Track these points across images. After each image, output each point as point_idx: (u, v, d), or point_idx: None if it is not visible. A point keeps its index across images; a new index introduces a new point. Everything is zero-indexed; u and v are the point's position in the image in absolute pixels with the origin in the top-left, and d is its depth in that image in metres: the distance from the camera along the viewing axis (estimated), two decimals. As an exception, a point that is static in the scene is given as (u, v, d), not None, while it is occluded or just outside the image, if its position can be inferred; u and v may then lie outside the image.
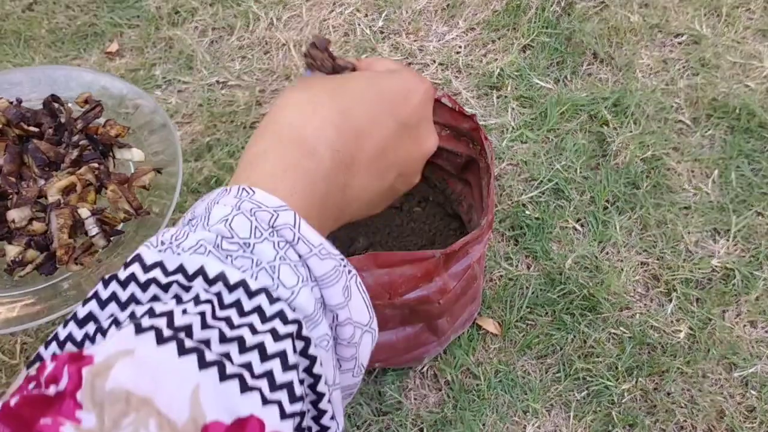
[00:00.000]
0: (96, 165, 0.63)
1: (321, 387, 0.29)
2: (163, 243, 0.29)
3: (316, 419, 0.30)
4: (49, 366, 0.25)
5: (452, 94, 1.05)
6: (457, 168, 0.80)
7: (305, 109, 0.34)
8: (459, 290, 0.69)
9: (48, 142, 0.64)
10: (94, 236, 0.60)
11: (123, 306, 0.27)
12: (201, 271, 0.27)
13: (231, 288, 0.27)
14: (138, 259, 0.28)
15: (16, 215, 0.59)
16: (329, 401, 0.29)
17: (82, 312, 0.27)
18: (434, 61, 1.07)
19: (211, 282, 0.27)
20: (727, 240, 0.92)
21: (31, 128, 0.65)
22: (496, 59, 1.07)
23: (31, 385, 0.25)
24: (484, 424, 0.80)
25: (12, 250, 0.59)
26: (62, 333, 0.26)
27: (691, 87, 1.05)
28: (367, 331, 0.32)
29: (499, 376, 0.83)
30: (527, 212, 0.94)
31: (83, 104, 0.68)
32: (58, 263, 0.59)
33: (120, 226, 0.62)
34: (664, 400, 0.82)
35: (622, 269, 0.90)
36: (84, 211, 0.60)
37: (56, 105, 0.66)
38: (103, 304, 0.27)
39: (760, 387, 0.82)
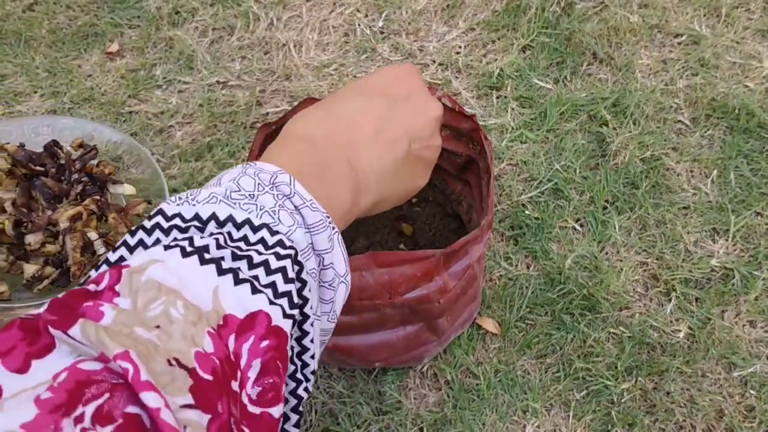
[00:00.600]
0: (98, 197, 0.76)
1: (307, 309, 0.33)
2: (180, 198, 0.34)
3: (299, 355, 0.34)
4: (93, 277, 0.29)
5: (452, 94, 1.05)
6: (456, 168, 0.81)
7: (300, 119, 0.42)
8: (459, 290, 0.69)
9: (52, 179, 0.77)
10: (101, 254, 0.72)
11: (148, 248, 0.32)
12: (213, 216, 0.33)
13: (238, 226, 0.33)
14: (160, 211, 0.33)
15: (32, 239, 0.72)
16: (312, 325, 0.34)
17: (113, 256, 0.32)
18: (434, 62, 1.07)
19: (221, 223, 0.33)
20: (727, 240, 0.92)
21: (37, 168, 0.77)
22: (496, 59, 1.07)
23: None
24: (483, 424, 0.80)
25: (30, 268, 0.71)
26: (95, 274, 0.31)
27: (691, 87, 1.05)
28: (342, 281, 0.37)
29: (498, 376, 0.83)
30: (527, 212, 0.94)
31: (77, 148, 0.82)
32: (72, 277, 0.71)
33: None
34: (664, 400, 0.82)
35: (621, 269, 0.90)
36: (93, 234, 0.73)
37: (56, 148, 0.80)
38: (131, 249, 0.32)
39: (760, 387, 0.83)
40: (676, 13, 1.12)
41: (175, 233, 0.32)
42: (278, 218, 0.34)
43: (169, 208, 0.33)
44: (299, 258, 0.33)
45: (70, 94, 1.05)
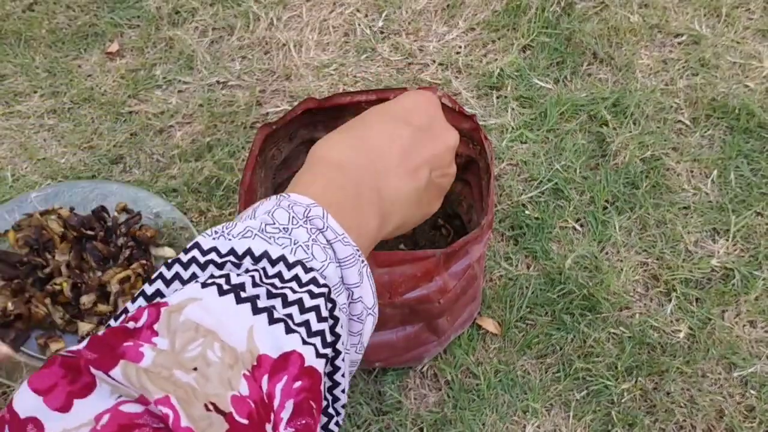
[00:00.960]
0: (144, 262, 0.83)
1: (339, 345, 0.34)
2: (216, 232, 0.34)
3: (330, 389, 0.35)
4: (131, 313, 0.30)
5: (452, 94, 1.05)
6: (457, 168, 0.81)
7: (330, 143, 0.43)
8: (459, 290, 0.69)
9: (101, 242, 0.84)
10: None
11: (185, 283, 0.33)
12: (248, 252, 0.33)
13: (273, 262, 0.33)
14: (196, 245, 0.34)
15: (85, 299, 0.80)
16: (342, 360, 0.34)
17: (149, 289, 0.32)
18: (434, 61, 1.07)
19: (257, 259, 0.33)
20: (727, 240, 0.92)
21: (88, 231, 0.84)
22: (496, 59, 1.07)
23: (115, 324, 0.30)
24: (483, 424, 0.80)
25: (85, 327, 0.79)
26: (132, 307, 0.31)
27: (691, 87, 1.05)
28: (371, 313, 0.38)
29: (498, 376, 0.83)
30: (527, 212, 0.94)
31: (121, 211, 0.90)
32: None
33: None
34: (664, 400, 0.82)
35: (621, 269, 0.90)
36: None
37: (103, 213, 0.88)
38: (168, 282, 0.32)
39: (760, 387, 0.83)
40: (677, 13, 1.12)
41: (211, 269, 0.33)
42: (312, 253, 0.34)
43: (205, 241, 0.34)
44: (332, 295, 0.34)
45: (70, 94, 1.05)
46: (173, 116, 1.03)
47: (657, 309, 0.88)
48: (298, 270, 0.33)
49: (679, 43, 1.10)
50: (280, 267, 0.33)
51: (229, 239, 0.34)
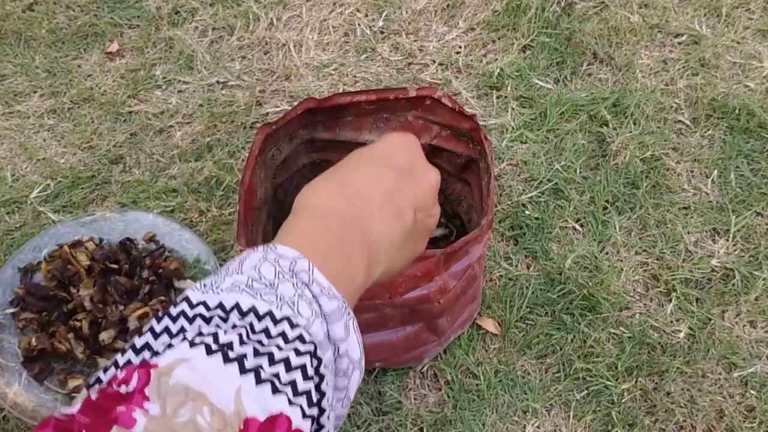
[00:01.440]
0: (163, 298, 0.86)
1: (324, 403, 0.34)
2: (205, 286, 0.35)
3: None
4: (121, 374, 0.31)
5: (452, 94, 1.05)
6: (457, 168, 0.81)
7: (314, 191, 0.44)
8: (459, 290, 0.69)
9: (125, 276, 0.86)
10: None
11: (173, 336, 0.33)
12: (236, 306, 0.34)
13: (260, 317, 0.34)
14: (186, 299, 0.35)
15: (105, 336, 0.81)
16: (328, 417, 0.35)
17: (139, 342, 0.33)
18: (434, 61, 1.07)
19: (244, 314, 0.34)
20: (727, 240, 0.92)
21: (112, 265, 0.86)
22: (496, 59, 1.07)
23: (106, 386, 0.31)
24: (483, 424, 0.80)
25: (104, 363, 0.80)
26: (121, 359, 0.32)
27: (691, 87, 1.05)
28: (357, 367, 0.38)
29: (498, 376, 0.83)
30: (527, 212, 0.94)
31: (149, 240, 0.91)
32: None
33: None
34: (664, 400, 0.82)
35: (621, 269, 0.90)
36: None
37: (130, 244, 0.89)
38: (156, 336, 0.33)
39: (760, 387, 0.83)
40: (677, 13, 1.12)
41: (199, 322, 0.34)
42: (297, 310, 0.35)
43: (194, 295, 0.35)
44: (318, 352, 0.35)
45: (70, 94, 1.05)
46: (173, 116, 1.03)
47: (657, 309, 0.88)
48: (285, 326, 0.34)
49: (679, 43, 1.10)
50: (267, 323, 0.34)
51: (218, 293, 0.35)
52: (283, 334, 0.33)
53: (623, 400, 0.82)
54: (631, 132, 1.00)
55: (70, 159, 1.00)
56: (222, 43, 1.10)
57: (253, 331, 0.34)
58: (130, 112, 1.04)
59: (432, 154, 0.81)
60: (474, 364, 0.84)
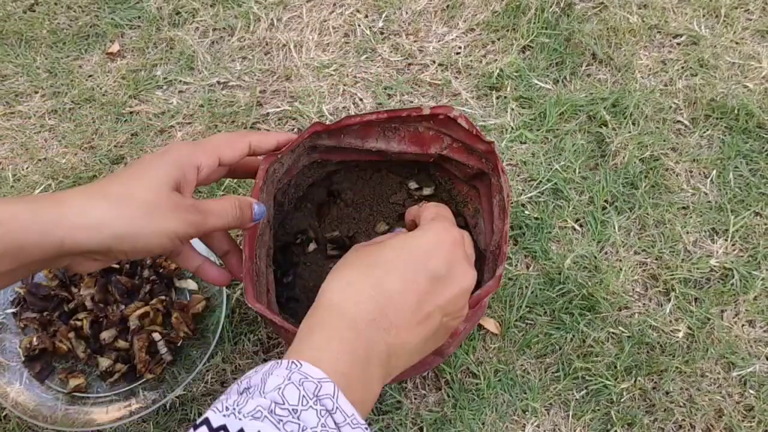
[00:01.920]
0: (163, 297, 0.86)
1: None
2: (227, 408, 0.34)
3: None
4: None
5: (452, 94, 1.05)
6: (466, 176, 0.79)
7: (346, 289, 0.42)
8: (469, 326, 0.68)
9: (125, 275, 0.87)
10: (163, 353, 0.83)
11: None
12: None
13: None
14: (206, 422, 0.33)
15: (105, 335, 0.83)
16: None
17: None
18: (434, 62, 1.08)
19: None
20: (726, 240, 0.93)
21: (114, 265, 0.86)
22: (496, 60, 1.08)
23: None
24: (483, 423, 0.81)
25: (104, 362, 0.82)
26: None
27: (690, 87, 1.05)
28: None
29: (498, 376, 0.83)
30: (526, 212, 0.94)
31: None
32: (138, 373, 0.82)
33: (179, 343, 0.85)
34: (663, 400, 0.82)
35: (620, 269, 0.90)
36: (156, 335, 0.83)
37: None
38: None
39: (759, 386, 0.83)
40: (676, 13, 1.13)
41: None
42: None
43: (215, 417, 0.33)
44: None
45: (71, 94, 1.05)
46: (174, 116, 1.03)
47: (656, 309, 0.88)
48: None
49: (678, 44, 1.10)
50: None
51: (240, 418, 0.33)
52: None
53: (622, 400, 0.82)
54: (630, 132, 1.00)
55: (71, 159, 1.00)
56: (223, 44, 1.11)
57: None
58: (131, 113, 1.04)
59: (441, 159, 0.79)
60: (474, 363, 0.84)
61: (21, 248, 0.43)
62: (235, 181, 0.97)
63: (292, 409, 0.34)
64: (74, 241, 0.44)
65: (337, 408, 0.35)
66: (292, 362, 0.37)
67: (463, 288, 0.46)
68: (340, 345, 0.39)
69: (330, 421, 0.35)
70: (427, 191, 0.89)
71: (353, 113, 1.03)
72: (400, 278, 0.43)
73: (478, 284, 0.76)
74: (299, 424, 0.34)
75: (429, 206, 0.53)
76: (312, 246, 0.87)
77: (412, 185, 0.89)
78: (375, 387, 0.40)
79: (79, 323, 0.83)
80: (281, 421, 0.34)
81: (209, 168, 0.54)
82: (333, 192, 0.89)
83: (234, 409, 0.34)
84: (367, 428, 0.36)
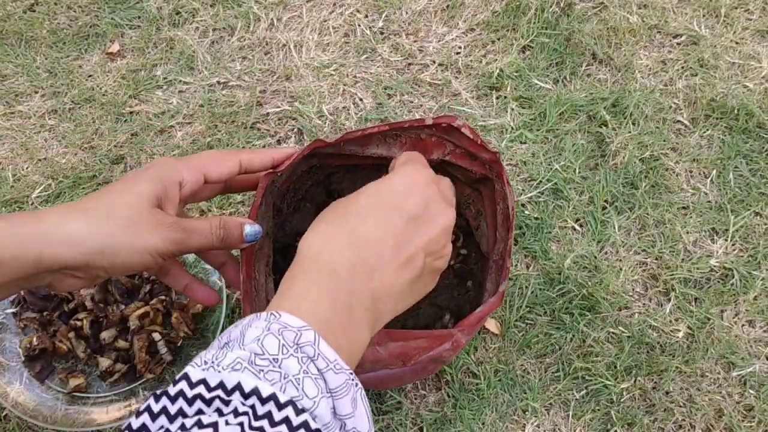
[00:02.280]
0: (163, 297, 0.86)
1: None
2: (206, 362, 0.34)
3: None
4: None
5: (452, 94, 1.05)
6: (469, 180, 0.79)
7: (323, 240, 0.42)
8: (469, 338, 0.68)
9: (125, 276, 0.86)
10: (163, 353, 0.83)
11: (172, 419, 0.32)
12: (238, 386, 0.32)
13: (264, 401, 0.32)
14: (185, 377, 0.33)
15: (105, 335, 0.83)
16: None
17: (136, 423, 0.31)
18: (434, 62, 1.08)
19: (246, 396, 0.32)
20: (726, 240, 0.93)
21: None
22: (496, 60, 1.08)
23: None
24: (483, 423, 0.81)
25: (104, 362, 0.82)
26: None
27: (690, 87, 1.05)
28: None
29: (498, 376, 0.83)
30: (526, 212, 0.94)
31: None
32: (138, 373, 0.82)
33: (179, 343, 0.85)
34: (663, 400, 0.82)
35: (620, 269, 0.90)
36: (156, 335, 0.83)
37: None
38: (154, 417, 0.32)
39: (759, 386, 0.83)
40: (676, 13, 1.13)
41: (198, 404, 0.32)
42: (302, 389, 0.33)
43: (194, 372, 0.33)
44: None
45: (71, 94, 1.05)
46: (174, 116, 1.03)
47: (656, 309, 0.88)
48: (289, 412, 0.32)
49: (678, 44, 1.10)
50: (270, 407, 0.32)
51: (219, 371, 0.33)
52: (287, 420, 0.32)
53: (622, 400, 0.82)
54: (630, 132, 1.00)
55: (71, 159, 1.00)
56: (222, 44, 1.11)
57: (256, 417, 0.32)
58: (131, 113, 1.04)
59: (443, 163, 0.79)
60: (474, 363, 0.84)
61: (0, 263, 0.43)
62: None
63: (273, 359, 0.34)
64: (52, 256, 0.44)
65: (318, 354, 0.35)
66: (271, 314, 0.36)
67: (442, 227, 0.46)
68: (320, 293, 0.39)
69: (312, 367, 0.34)
70: None
71: (353, 114, 1.03)
72: (376, 223, 0.43)
73: (480, 295, 0.76)
74: (280, 373, 0.33)
75: (402, 154, 0.53)
76: None
77: None
78: (362, 332, 0.39)
79: (79, 323, 0.83)
80: (262, 371, 0.33)
81: (193, 185, 0.53)
82: (332, 192, 0.89)
83: (213, 362, 0.33)
84: (351, 372, 0.36)
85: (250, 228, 0.54)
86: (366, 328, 0.40)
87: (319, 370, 0.35)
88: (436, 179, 0.49)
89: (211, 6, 1.14)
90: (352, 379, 0.36)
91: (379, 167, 0.87)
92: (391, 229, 0.43)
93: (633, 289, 0.89)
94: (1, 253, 0.42)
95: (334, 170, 0.85)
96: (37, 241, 0.43)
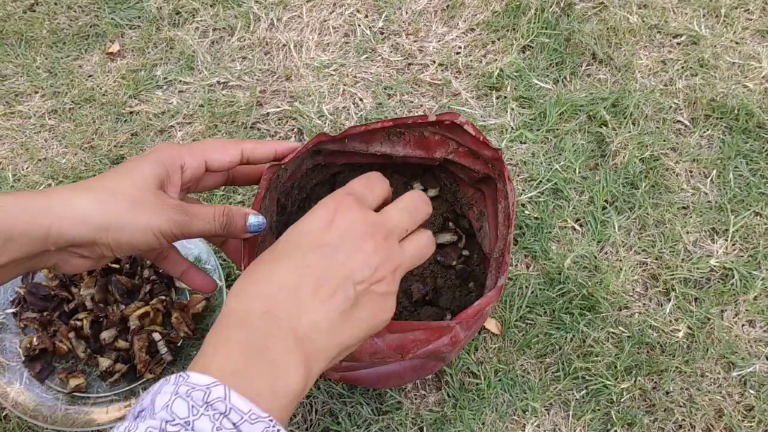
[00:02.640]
0: (164, 297, 0.86)
1: None
2: None
3: None
4: None
5: (452, 94, 1.05)
6: (472, 179, 0.79)
7: (237, 293, 0.41)
8: (471, 333, 0.68)
9: (126, 275, 0.87)
10: (163, 353, 0.83)
11: None
12: None
13: None
14: None
15: (105, 335, 0.83)
16: None
17: None
18: (434, 62, 1.08)
19: None
20: (726, 240, 0.93)
21: (113, 265, 0.87)
22: (496, 60, 1.08)
23: None
24: (483, 423, 0.81)
25: (104, 362, 0.82)
26: None
27: (690, 87, 1.05)
28: None
29: (498, 376, 0.83)
30: (526, 212, 0.94)
31: None
32: (138, 373, 0.82)
33: (179, 343, 0.85)
34: (663, 400, 0.82)
35: (620, 269, 0.90)
36: (157, 335, 0.83)
37: None
38: None
39: (759, 386, 0.83)
40: (676, 13, 1.13)
41: None
42: None
43: None
44: None
45: (71, 94, 1.05)
46: (174, 116, 1.03)
47: (656, 309, 0.88)
48: None
49: (678, 44, 1.10)
50: None
51: None
52: None
53: (622, 400, 0.82)
54: (630, 132, 1.00)
55: (71, 159, 1.00)
56: (223, 44, 1.11)
57: None
58: (131, 113, 1.04)
59: (446, 162, 0.79)
60: (474, 363, 0.84)
61: (9, 239, 0.43)
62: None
63: (184, 422, 0.33)
64: (60, 232, 0.45)
65: (231, 408, 0.34)
66: (179, 376, 0.35)
67: (366, 252, 0.43)
68: (229, 346, 0.38)
69: (226, 422, 0.34)
70: (431, 192, 0.89)
71: (353, 114, 1.03)
72: (291, 267, 0.42)
73: (482, 296, 0.76)
74: None
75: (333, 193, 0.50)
76: None
77: (417, 186, 0.88)
78: (289, 373, 0.38)
79: (79, 323, 0.84)
80: None
81: (194, 170, 0.53)
82: None
83: None
84: (271, 419, 0.35)
85: (254, 218, 0.54)
86: (295, 368, 0.38)
87: (234, 423, 0.34)
88: (350, 201, 0.46)
89: (211, 6, 1.14)
90: (273, 425, 0.35)
91: (384, 166, 0.87)
92: (306, 269, 0.42)
93: (633, 289, 0.90)
94: (11, 228, 0.43)
95: (339, 170, 0.85)
96: (46, 216, 0.44)
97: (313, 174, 0.84)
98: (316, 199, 0.88)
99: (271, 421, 0.35)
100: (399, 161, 0.79)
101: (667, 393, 0.83)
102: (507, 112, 1.03)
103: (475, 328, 0.68)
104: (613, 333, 0.86)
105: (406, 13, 1.13)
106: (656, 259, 0.91)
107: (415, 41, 1.10)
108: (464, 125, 0.69)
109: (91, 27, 1.13)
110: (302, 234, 0.44)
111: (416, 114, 1.04)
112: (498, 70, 1.06)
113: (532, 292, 0.88)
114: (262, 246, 0.68)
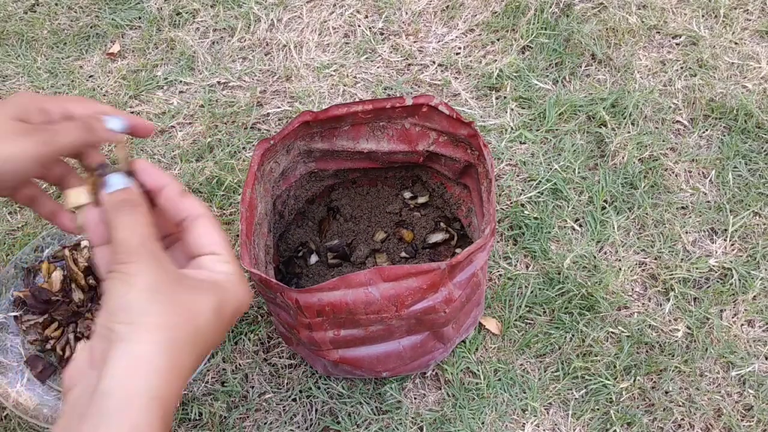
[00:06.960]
0: None
1: None
2: None
3: None
4: None
5: (452, 94, 1.05)
6: (455, 173, 0.81)
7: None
8: (464, 297, 0.69)
9: None
10: None
11: None
12: None
13: None
14: None
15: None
16: None
17: None
18: (434, 62, 1.08)
19: None
20: (725, 240, 0.93)
21: None
22: (496, 60, 1.08)
23: None
24: (483, 423, 0.81)
25: None
26: None
27: (689, 88, 1.05)
28: None
29: (498, 375, 0.84)
30: (526, 212, 0.94)
31: None
32: None
33: None
34: (662, 399, 0.82)
35: (620, 269, 0.90)
36: None
37: None
38: None
39: (758, 386, 0.83)
40: (675, 14, 1.13)
41: None
42: None
43: None
44: None
45: (72, 94, 1.06)
46: (174, 117, 1.04)
47: (655, 308, 0.88)
48: None
49: (678, 44, 1.10)
50: None
51: None
52: None
53: (621, 399, 0.82)
54: (629, 132, 1.00)
55: (70, 159, 1.00)
56: (223, 44, 1.11)
57: None
58: (131, 113, 1.04)
59: (430, 158, 0.82)
60: (474, 363, 0.84)
61: None
62: (236, 180, 0.97)
63: None
64: None
65: None
66: None
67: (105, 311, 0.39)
68: None
69: None
70: (421, 200, 0.91)
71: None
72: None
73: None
74: None
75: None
76: (314, 258, 0.89)
77: (407, 195, 0.91)
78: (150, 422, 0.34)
79: (79, 326, 0.84)
80: None
81: (56, 114, 0.53)
82: (332, 208, 0.91)
83: None
84: None
85: (113, 118, 0.53)
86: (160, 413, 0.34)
87: None
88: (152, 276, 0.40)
89: (211, 7, 1.14)
90: None
91: (375, 181, 0.89)
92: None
93: (632, 289, 0.90)
94: None
95: (332, 183, 0.87)
96: None
97: (307, 184, 0.85)
98: (312, 217, 0.90)
99: None
100: (385, 159, 0.81)
101: (666, 392, 0.83)
102: (506, 112, 1.03)
103: (470, 291, 0.69)
104: (613, 333, 0.86)
105: (406, 13, 1.13)
106: (655, 258, 0.91)
107: (415, 42, 1.10)
108: (438, 106, 0.72)
109: (91, 27, 1.13)
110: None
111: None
112: (497, 71, 1.06)
113: (532, 292, 0.89)
114: (258, 228, 0.70)
